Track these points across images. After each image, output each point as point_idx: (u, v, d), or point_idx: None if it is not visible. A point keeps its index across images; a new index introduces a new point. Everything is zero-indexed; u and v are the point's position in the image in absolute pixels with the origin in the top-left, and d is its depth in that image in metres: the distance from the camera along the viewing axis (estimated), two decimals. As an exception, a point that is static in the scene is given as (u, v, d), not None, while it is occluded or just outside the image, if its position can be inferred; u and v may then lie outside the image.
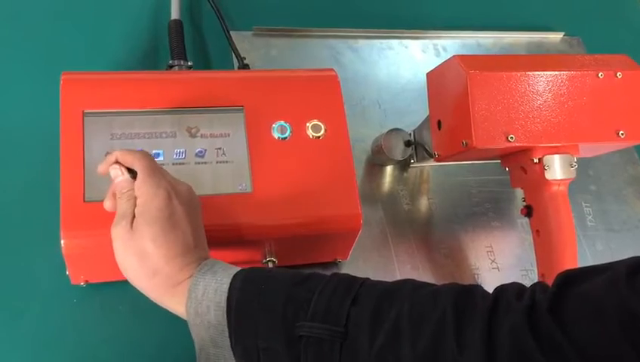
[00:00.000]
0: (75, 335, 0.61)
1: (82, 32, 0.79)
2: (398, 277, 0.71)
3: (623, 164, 0.89)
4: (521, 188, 0.69)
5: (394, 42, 0.91)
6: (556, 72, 0.64)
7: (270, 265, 0.63)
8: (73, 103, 0.61)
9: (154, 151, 0.61)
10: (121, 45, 0.80)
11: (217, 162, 0.62)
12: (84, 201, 0.57)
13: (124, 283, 0.63)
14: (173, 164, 0.61)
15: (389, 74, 0.88)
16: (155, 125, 0.62)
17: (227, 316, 0.49)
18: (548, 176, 0.64)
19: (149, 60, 0.79)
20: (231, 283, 0.50)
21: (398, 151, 0.75)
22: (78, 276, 0.61)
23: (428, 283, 0.48)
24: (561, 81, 0.64)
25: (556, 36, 1.00)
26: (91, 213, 0.57)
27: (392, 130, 0.76)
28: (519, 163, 0.67)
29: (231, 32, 0.81)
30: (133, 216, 0.53)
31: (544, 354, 0.39)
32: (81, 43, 0.78)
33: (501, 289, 0.44)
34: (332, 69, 0.71)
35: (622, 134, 0.65)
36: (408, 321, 0.44)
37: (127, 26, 0.81)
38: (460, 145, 0.63)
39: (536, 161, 0.64)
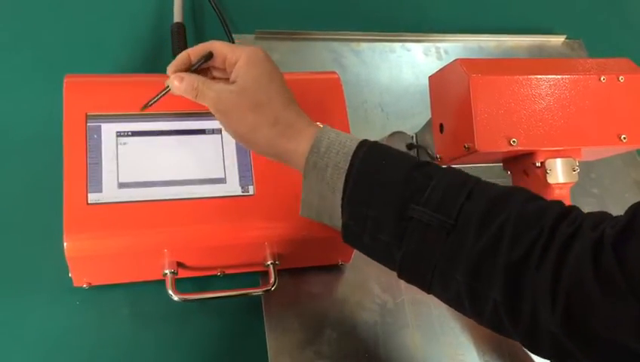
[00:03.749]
0: (78, 337, 0.61)
1: (85, 35, 0.80)
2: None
3: (625, 168, 0.89)
4: (524, 192, 0.69)
5: (396, 45, 0.91)
6: (559, 76, 0.64)
7: (272, 267, 0.63)
8: (76, 105, 0.61)
9: (157, 152, 0.61)
10: (123, 48, 0.80)
11: (221, 164, 0.62)
12: (87, 204, 0.57)
13: (127, 286, 0.64)
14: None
15: (391, 77, 0.88)
16: (157, 128, 0.62)
17: (345, 180, 0.53)
18: (550, 179, 0.64)
19: (152, 63, 0.79)
20: (355, 151, 0.53)
21: (400, 154, 0.75)
22: (80, 278, 0.61)
23: (537, 198, 0.51)
24: (564, 85, 0.64)
25: (558, 39, 1.00)
26: (94, 215, 0.57)
27: (394, 133, 0.76)
28: (521, 166, 0.67)
29: (233, 36, 0.82)
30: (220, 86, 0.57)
31: (600, 285, 0.42)
32: (84, 46, 0.79)
33: (585, 218, 0.47)
34: (334, 72, 0.71)
35: (624, 138, 0.65)
36: (512, 230, 0.47)
37: (129, 28, 0.82)
38: (462, 149, 0.63)
39: (538, 164, 0.64)
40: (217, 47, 0.59)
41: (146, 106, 0.61)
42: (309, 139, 0.54)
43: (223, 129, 0.61)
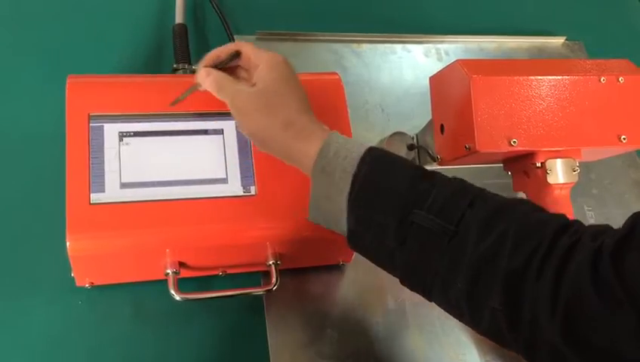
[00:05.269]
0: (80, 336, 0.61)
1: (88, 36, 0.80)
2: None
3: (624, 168, 0.89)
4: (524, 192, 0.69)
5: (397, 46, 0.91)
6: (559, 77, 0.65)
7: (274, 267, 0.64)
8: (79, 106, 0.61)
9: (159, 152, 0.62)
10: (126, 49, 0.80)
11: (222, 164, 0.63)
12: (90, 204, 0.58)
13: (129, 286, 0.64)
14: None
15: (392, 78, 0.89)
16: (160, 128, 0.63)
17: (352, 184, 0.53)
18: (550, 180, 0.65)
19: (154, 64, 0.80)
20: (362, 157, 0.54)
21: (401, 155, 0.75)
22: (83, 278, 0.62)
23: (539, 210, 0.51)
24: (564, 86, 0.65)
25: (558, 41, 1.00)
26: (97, 215, 0.57)
27: (394, 134, 0.76)
28: (522, 167, 0.67)
29: (235, 37, 0.82)
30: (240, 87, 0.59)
31: (598, 293, 0.42)
32: (86, 46, 0.79)
33: (586, 230, 0.48)
34: (336, 73, 0.71)
35: (624, 139, 0.65)
36: (512, 239, 0.47)
37: (132, 29, 0.82)
38: (462, 149, 0.64)
39: (538, 165, 0.64)
40: (245, 48, 0.62)
41: (175, 102, 0.63)
42: (318, 144, 0.56)
43: (236, 127, 0.64)
